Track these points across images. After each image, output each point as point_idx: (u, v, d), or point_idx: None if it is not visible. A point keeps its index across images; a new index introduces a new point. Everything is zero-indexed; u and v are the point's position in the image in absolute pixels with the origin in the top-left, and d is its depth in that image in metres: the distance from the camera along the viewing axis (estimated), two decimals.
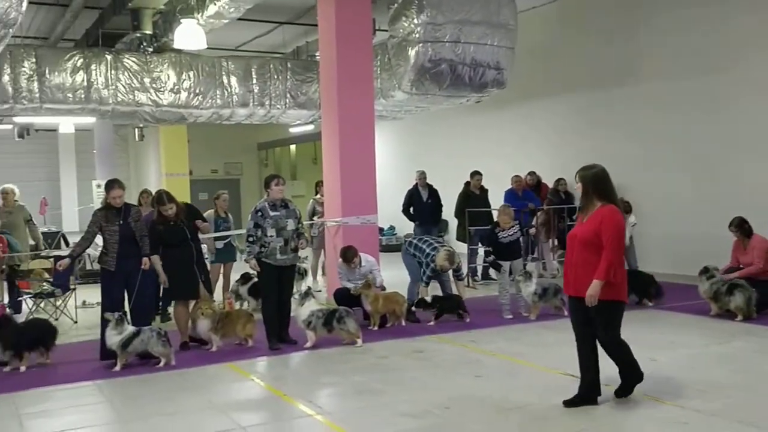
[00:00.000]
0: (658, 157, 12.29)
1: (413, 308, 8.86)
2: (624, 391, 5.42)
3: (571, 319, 5.50)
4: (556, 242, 12.74)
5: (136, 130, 21.13)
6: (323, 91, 10.89)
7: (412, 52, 10.63)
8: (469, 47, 10.78)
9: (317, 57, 12.62)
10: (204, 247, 9.21)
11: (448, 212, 13.06)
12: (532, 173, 13.29)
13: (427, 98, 11.70)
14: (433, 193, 12.53)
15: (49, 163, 27.75)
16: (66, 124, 19.38)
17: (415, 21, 10.50)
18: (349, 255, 8.80)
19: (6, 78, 11.01)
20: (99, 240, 7.60)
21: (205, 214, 9.46)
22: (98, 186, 19.27)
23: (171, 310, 9.25)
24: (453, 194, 12.61)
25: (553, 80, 14.20)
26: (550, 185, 13.16)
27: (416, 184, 12.55)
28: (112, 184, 7.43)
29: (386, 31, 11.43)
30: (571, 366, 5.74)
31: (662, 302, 9.45)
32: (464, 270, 9.46)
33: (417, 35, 10.53)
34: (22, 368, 7.12)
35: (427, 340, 7.97)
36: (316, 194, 12.08)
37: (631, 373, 5.38)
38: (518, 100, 14.49)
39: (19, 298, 10.11)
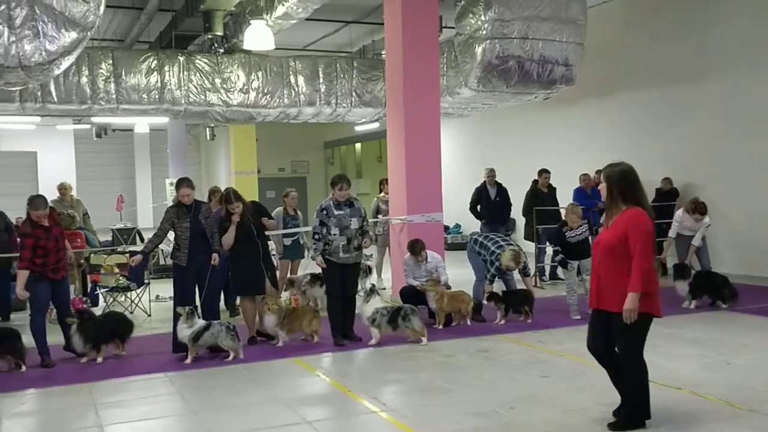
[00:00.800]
0: (730, 156, 11.88)
1: (484, 302, 8.81)
2: (622, 424, 4.76)
3: (587, 339, 4.98)
4: None
5: (208, 129, 21.68)
6: (389, 88, 10.92)
7: (479, 49, 10.56)
8: (537, 43, 10.65)
9: (383, 55, 12.66)
10: (271, 244, 9.36)
11: (516, 211, 12.92)
12: (598, 171, 13.00)
13: (494, 95, 11.61)
14: (502, 191, 12.43)
15: (125, 162, 28.71)
16: (141, 124, 20.02)
17: (483, 18, 10.43)
18: (417, 248, 8.79)
19: (84, 79, 11.44)
20: (172, 236, 7.83)
21: (273, 212, 9.62)
22: (171, 184, 19.81)
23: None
24: (521, 192, 12.47)
25: (623, 77, 13.87)
26: None
27: (484, 181, 12.47)
28: (181, 183, 7.66)
29: (453, 28, 11.38)
30: None
31: (736, 304, 9.13)
32: (531, 269, 9.35)
33: (484, 32, 10.45)
34: (99, 359, 7.39)
35: (493, 340, 7.91)
36: (381, 192, 12.12)
37: (638, 404, 4.73)
38: (587, 97, 14.22)
39: (97, 292, 10.49)
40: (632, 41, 13.61)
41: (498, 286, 9.02)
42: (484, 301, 8.81)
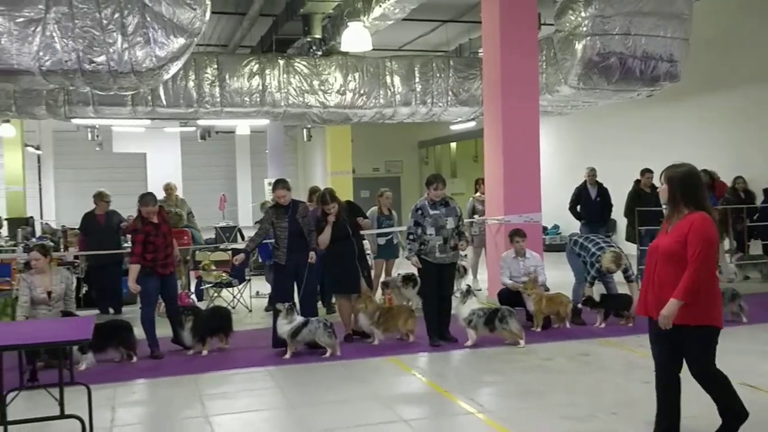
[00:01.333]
0: None
1: (580, 306, 8.61)
2: None
3: (651, 348, 4.63)
4: (734, 244, 11.94)
5: (305, 130, 22.14)
6: (486, 87, 10.83)
7: (579, 46, 10.32)
8: (640, 39, 10.31)
9: (480, 54, 12.56)
10: (366, 243, 9.46)
11: (617, 211, 12.56)
12: (704, 171, 12.47)
13: (594, 93, 11.33)
14: (602, 191, 12.13)
15: (227, 163, 29.68)
16: (242, 127, 20.66)
17: (583, 14, 10.19)
18: (516, 235, 8.67)
19: (191, 83, 11.91)
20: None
21: (368, 212, 9.72)
22: (269, 184, 20.35)
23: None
24: (622, 192, 12.11)
25: (734, 72, 13.22)
26: (728, 183, 12.31)
27: (585, 181, 12.19)
28: (277, 185, 7.88)
29: (551, 25, 11.18)
30: (749, 376, 5.35)
31: None
32: (634, 271, 9.06)
33: (584, 28, 10.21)
34: (204, 352, 7.67)
35: (594, 344, 7.71)
36: (476, 192, 12.04)
37: (732, 412, 4.48)
38: (693, 93, 13.64)
39: (201, 287, 10.91)
40: (745, 34, 12.95)
41: (598, 288, 8.79)
42: (580, 306, 8.61)
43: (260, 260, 11.89)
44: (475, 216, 11.54)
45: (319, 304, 9.19)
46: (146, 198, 7.82)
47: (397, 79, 13.02)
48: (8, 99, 11.45)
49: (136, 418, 5.85)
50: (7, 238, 14.46)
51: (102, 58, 8.40)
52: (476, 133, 17.85)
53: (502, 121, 10.17)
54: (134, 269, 7.63)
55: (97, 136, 21.43)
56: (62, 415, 4.58)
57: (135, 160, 26.05)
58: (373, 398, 5.99)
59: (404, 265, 9.53)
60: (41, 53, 8.19)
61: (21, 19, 7.98)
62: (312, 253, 7.73)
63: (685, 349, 4.40)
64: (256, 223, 11.88)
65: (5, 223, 16.11)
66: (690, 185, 4.39)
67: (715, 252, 4.40)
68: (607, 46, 10.24)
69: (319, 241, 7.89)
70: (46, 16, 8.06)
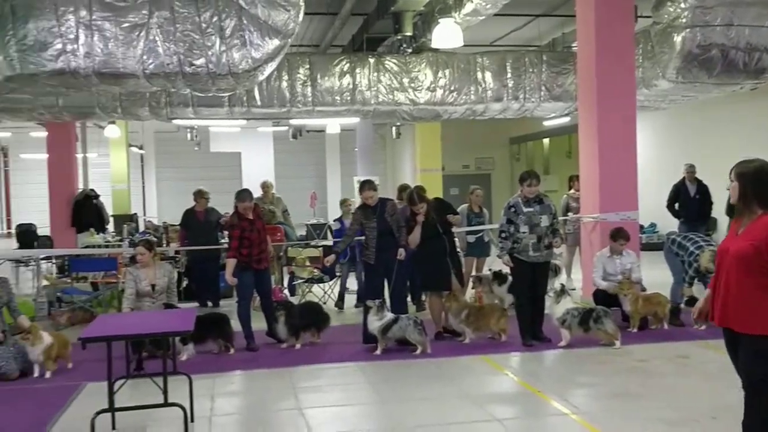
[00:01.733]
0: None
1: (682, 306, 8.31)
2: None
3: (730, 357, 4.24)
4: None
5: (394, 128, 22.20)
6: (581, 81, 10.60)
7: (678, 38, 9.94)
8: (743, 30, 9.83)
9: (574, 48, 12.30)
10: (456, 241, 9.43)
11: (718, 209, 12.04)
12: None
13: (694, 87, 10.88)
14: (702, 189, 11.66)
15: (317, 161, 30.16)
16: (333, 125, 20.91)
17: (682, 5, 9.80)
18: (619, 235, 8.45)
19: (284, 84, 12.16)
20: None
21: (459, 209, 9.68)
22: (358, 182, 20.52)
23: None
24: (723, 190, 11.58)
25: None
26: None
27: (683, 177, 11.76)
28: (363, 186, 7.97)
29: (649, 17, 10.81)
30: None
31: None
32: None
33: (684, 20, 9.82)
34: (297, 346, 7.85)
35: (693, 346, 7.43)
36: (570, 189, 11.80)
37: None
38: None
39: (294, 283, 11.15)
40: None
41: (698, 289, 8.47)
42: (683, 306, 8.30)
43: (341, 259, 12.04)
44: (569, 214, 11.33)
45: (409, 301, 9.24)
46: (243, 194, 8.08)
47: (488, 75, 12.88)
48: (114, 101, 12.01)
49: (234, 408, 6.04)
50: (114, 234, 15.20)
51: (201, 61, 8.69)
52: (570, 129, 17.47)
53: (597, 116, 9.94)
54: (231, 263, 7.89)
55: (196, 137, 22.20)
56: (166, 403, 4.79)
57: (230, 159, 26.78)
58: (464, 396, 5.98)
59: (496, 264, 9.45)
60: (145, 57, 8.55)
61: (126, 25, 8.35)
62: (401, 250, 7.78)
63: (752, 363, 4.00)
64: (334, 221, 11.92)
65: (111, 219, 16.94)
66: (763, 182, 4.00)
67: None
68: (708, 37, 9.82)
69: (410, 242, 7.93)
70: (149, 21, 8.41)
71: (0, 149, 26.46)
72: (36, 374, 6.92)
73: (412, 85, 12.46)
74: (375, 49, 13.49)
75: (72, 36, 8.24)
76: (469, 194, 10.57)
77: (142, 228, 16.14)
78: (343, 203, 11.18)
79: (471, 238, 10.26)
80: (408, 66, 12.52)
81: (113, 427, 5.20)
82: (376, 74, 12.32)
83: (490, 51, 13.67)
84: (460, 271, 8.56)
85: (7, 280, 7.56)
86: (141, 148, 27.07)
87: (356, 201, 9.69)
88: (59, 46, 8.38)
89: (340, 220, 10.90)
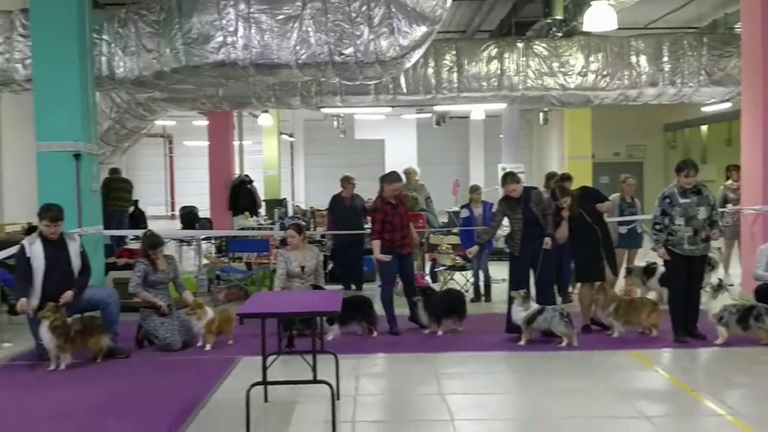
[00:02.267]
0: None
1: None
2: None
3: None
4: None
5: (541, 114, 21.73)
6: (745, 65, 9.90)
7: None
8: None
9: (737, 29, 11.49)
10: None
11: None
12: None
13: None
14: None
15: (461, 148, 30.08)
16: (477, 111, 20.78)
17: None
18: None
19: (430, 70, 12.20)
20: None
21: (610, 197, 9.35)
22: (503, 169, 20.28)
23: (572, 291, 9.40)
24: None
25: None
26: None
27: None
28: (506, 179, 7.88)
29: None
30: None
31: None
32: None
33: None
34: (440, 332, 7.90)
35: None
36: (727, 180, 11.10)
37: None
38: None
39: (436, 269, 11.22)
40: None
41: None
42: None
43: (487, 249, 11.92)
44: (728, 205, 10.66)
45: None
46: (392, 176, 8.27)
47: (643, 59, 12.30)
48: (268, 91, 12.55)
49: (378, 389, 6.19)
50: (266, 218, 15.96)
51: (350, 50, 8.91)
52: (730, 115, 16.37)
53: (763, 101, 9.27)
54: (376, 245, 8.11)
55: (342, 124, 22.78)
56: (315, 380, 4.98)
57: (374, 146, 27.28)
58: (612, 391, 5.79)
59: (649, 256, 9.05)
60: (298, 47, 8.89)
61: (281, 16, 8.71)
62: (547, 239, 7.64)
63: None
64: (462, 207, 11.68)
65: (263, 204, 17.78)
66: None
67: None
68: None
69: (558, 237, 7.78)
70: (303, 12, 8.72)
71: (165, 137, 28.30)
72: (199, 345, 7.42)
73: (562, 69, 12.13)
74: (524, 33, 13.24)
75: (232, 29, 8.71)
76: (621, 183, 10.21)
77: (291, 212, 16.83)
78: (474, 191, 11.04)
79: (623, 229, 9.89)
80: (558, 50, 12.19)
81: (265, 400, 5.49)
82: (524, 59, 12.09)
83: (645, 34, 13.06)
84: (614, 260, 8.27)
85: (174, 258, 8.14)
86: (291, 135, 28.11)
87: (498, 190, 9.52)
88: (220, 38, 8.88)
89: (468, 207, 10.76)
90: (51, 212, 6.94)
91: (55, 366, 6.65)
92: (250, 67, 9.04)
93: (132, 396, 5.92)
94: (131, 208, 14.57)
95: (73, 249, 7.07)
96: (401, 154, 25.27)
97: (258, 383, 4.91)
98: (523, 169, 20.10)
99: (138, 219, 14.74)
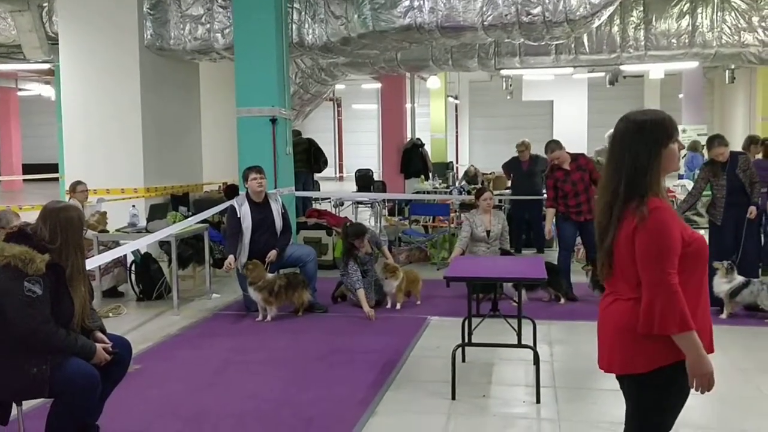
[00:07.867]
0: None
1: None
2: None
3: None
4: None
5: (727, 72, 20.22)
6: None
7: None
8: None
9: None
10: None
11: None
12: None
13: None
14: None
15: (636, 108, 28.69)
16: (656, 70, 19.67)
17: None
18: None
19: (615, 29, 11.68)
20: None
21: None
22: (683, 131, 19.16)
23: None
24: None
25: None
26: None
27: None
28: (712, 141, 7.47)
29: None
30: None
31: None
32: None
33: None
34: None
35: None
36: None
37: None
38: None
39: None
40: None
41: None
42: None
43: None
44: None
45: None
46: (551, 145, 8.07)
47: None
48: (446, 53, 12.56)
49: (573, 356, 6.11)
50: (440, 181, 16.10)
51: (538, 10, 8.73)
52: None
53: None
54: (549, 213, 8.01)
55: (510, 85, 22.40)
56: (519, 344, 5.01)
57: (542, 108, 26.69)
58: None
59: None
60: (484, 8, 8.82)
61: None
62: (752, 208, 7.18)
63: None
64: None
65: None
66: None
67: None
68: None
69: None
70: None
71: (334, 100, 29.18)
72: (389, 305, 7.68)
73: (763, 24, 11.20)
74: None
75: None
76: None
77: (461, 175, 16.88)
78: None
79: None
80: (759, 3, 11.25)
81: (463, 360, 5.60)
82: (720, 14, 11.27)
83: None
84: None
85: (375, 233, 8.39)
86: (456, 98, 28.07)
87: None
88: (407, 2, 8.99)
89: None
90: (257, 167, 7.58)
91: (262, 317, 7.16)
92: (436, 31, 9.09)
93: (336, 348, 6.24)
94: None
95: (276, 209, 7.53)
96: (570, 115, 24.56)
97: (465, 344, 5.02)
98: (705, 130, 18.93)
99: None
